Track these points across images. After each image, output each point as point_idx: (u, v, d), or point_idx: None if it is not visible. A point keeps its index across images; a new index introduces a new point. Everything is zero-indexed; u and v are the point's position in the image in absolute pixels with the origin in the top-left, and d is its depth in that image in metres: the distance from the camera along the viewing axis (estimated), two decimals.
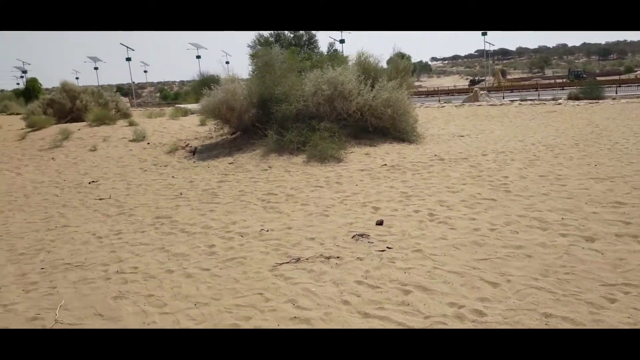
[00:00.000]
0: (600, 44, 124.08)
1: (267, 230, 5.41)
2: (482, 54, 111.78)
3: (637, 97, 21.13)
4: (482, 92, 31.15)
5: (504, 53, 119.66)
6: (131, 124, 13.08)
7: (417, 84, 52.45)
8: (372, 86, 10.00)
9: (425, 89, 54.05)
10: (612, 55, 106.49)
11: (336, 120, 9.68)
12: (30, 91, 38.73)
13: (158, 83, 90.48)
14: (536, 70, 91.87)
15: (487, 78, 58.05)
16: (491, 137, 10.81)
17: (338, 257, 4.48)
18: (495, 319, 3.17)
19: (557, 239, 4.47)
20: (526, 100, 23.26)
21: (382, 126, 10.03)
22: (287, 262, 4.46)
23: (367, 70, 10.25)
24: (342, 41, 47.96)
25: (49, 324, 3.57)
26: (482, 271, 3.90)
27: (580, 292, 3.43)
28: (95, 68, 50.79)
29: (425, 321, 3.22)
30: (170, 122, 13.99)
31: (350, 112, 9.79)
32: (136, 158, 10.00)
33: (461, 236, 4.72)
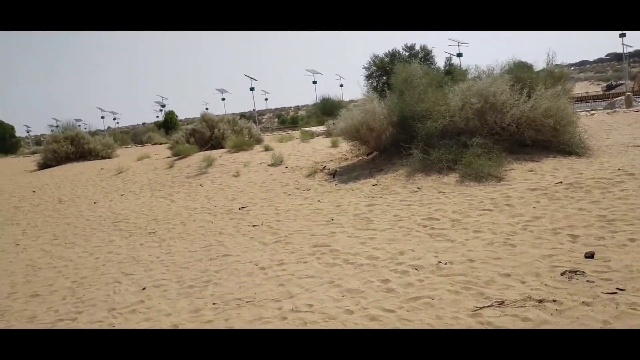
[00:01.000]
0: None
1: (445, 263, 4.70)
2: (614, 57, 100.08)
3: None
4: (621, 99, 27.41)
5: (639, 55, 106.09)
6: (267, 149, 13.33)
7: None
8: (529, 96, 8.88)
9: None
10: None
11: (488, 135, 8.72)
12: (168, 122, 42.90)
13: (276, 109, 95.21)
14: None
15: (625, 82, 51.59)
16: None
17: (554, 301, 3.62)
18: None
19: None
20: None
21: (542, 139, 8.83)
22: (489, 306, 3.70)
23: (521, 78, 9.15)
24: (459, 55, 46.03)
25: None
26: None
27: None
28: (223, 99, 54.83)
29: None
30: (301, 145, 14.03)
31: (504, 125, 8.76)
32: (278, 182, 9.97)
33: None
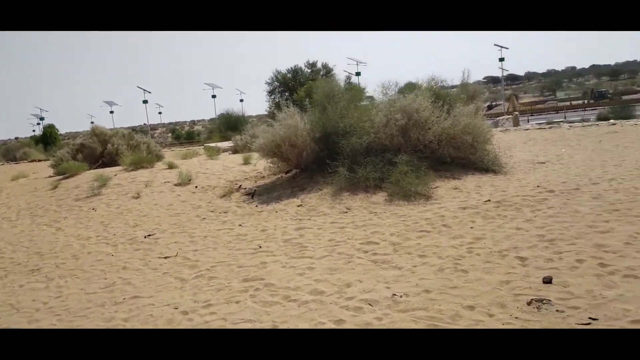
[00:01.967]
0: (610, 64, 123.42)
1: (401, 296, 4.22)
2: (490, 80, 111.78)
3: None
4: (504, 118, 30.15)
5: (512, 78, 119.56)
6: (171, 166, 12.09)
7: None
8: (448, 112, 8.97)
9: None
10: (623, 76, 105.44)
11: (412, 152, 8.60)
12: (47, 137, 38.66)
13: (169, 124, 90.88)
14: (548, 93, 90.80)
15: (502, 103, 57.42)
16: (575, 162, 9.64)
17: None
18: None
19: None
20: (552, 123, 22.17)
21: (460, 156, 8.93)
22: None
23: (440, 96, 9.23)
24: (358, 74, 47.75)
25: None
26: None
27: None
28: (111, 112, 50.90)
29: None
30: (209, 162, 13.00)
31: (427, 142, 8.72)
32: (188, 204, 8.92)
33: None
